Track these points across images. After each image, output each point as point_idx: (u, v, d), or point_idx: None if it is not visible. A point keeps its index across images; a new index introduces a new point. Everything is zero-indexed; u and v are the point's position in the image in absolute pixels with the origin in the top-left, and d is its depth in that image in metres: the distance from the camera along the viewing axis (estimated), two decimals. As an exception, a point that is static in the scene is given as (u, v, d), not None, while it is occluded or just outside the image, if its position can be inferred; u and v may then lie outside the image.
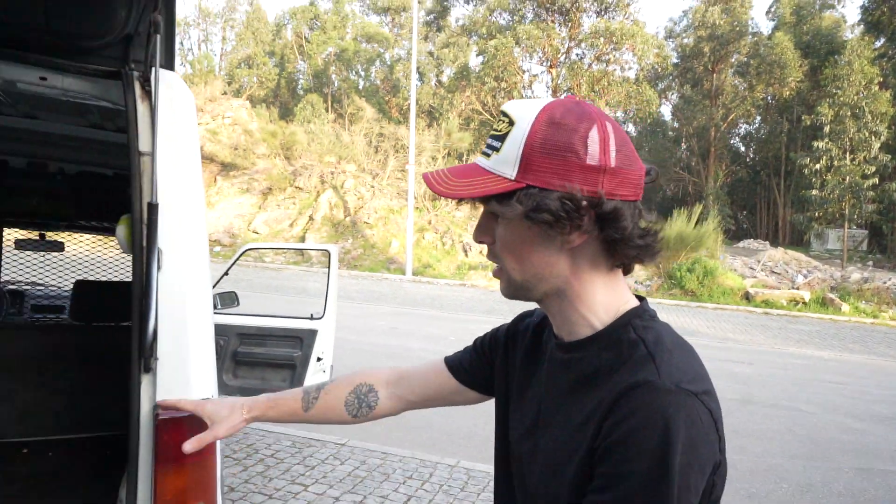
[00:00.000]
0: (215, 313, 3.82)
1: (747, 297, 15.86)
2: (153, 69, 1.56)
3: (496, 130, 0.80)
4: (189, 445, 1.07)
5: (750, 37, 28.66)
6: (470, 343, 1.12)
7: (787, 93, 27.37)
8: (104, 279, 3.94)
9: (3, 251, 3.90)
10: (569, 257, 0.80)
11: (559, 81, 28.52)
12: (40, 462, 3.20)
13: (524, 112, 0.77)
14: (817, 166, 23.47)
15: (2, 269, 3.72)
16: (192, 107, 1.70)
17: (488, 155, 0.80)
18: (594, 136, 0.74)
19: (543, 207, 0.73)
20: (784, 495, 4.17)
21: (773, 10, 30.12)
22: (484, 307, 13.36)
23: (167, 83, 1.58)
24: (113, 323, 3.62)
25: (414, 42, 19.76)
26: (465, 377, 1.10)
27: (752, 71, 27.81)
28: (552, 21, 28.16)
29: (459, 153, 25.51)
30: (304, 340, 3.72)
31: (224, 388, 3.78)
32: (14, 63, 1.68)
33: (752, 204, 33.59)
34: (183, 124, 1.65)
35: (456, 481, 3.96)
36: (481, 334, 1.13)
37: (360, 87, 31.52)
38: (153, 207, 1.48)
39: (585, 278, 0.82)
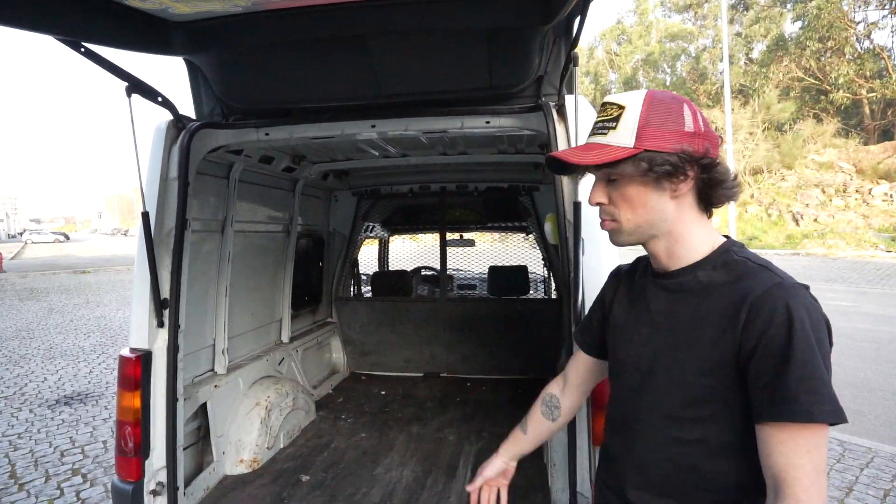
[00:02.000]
0: None
1: None
2: (568, 97, 1.67)
3: (607, 115, 0.92)
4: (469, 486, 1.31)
5: None
6: None
7: None
8: (507, 264, 4.21)
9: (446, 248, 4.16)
10: (675, 204, 0.92)
11: None
12: (478, 392, 3.59)
13: (631, 99, 0.91)
14: None
15: (447, 260, 4.03)
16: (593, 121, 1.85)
17: (604, 133, 0.92)
18: (687, 111, 0.89)
19: (664, 162, 0.87)
20: None
21: None
22: (824, 274, 11.61)
23: (578, 106, 1.59)
24: (514, 296, 3.96)
25: (724, 22, 18.47)
26: (595, 351, 1.19)
27: None
28: None
29: (780, 124, 22.52)
30: None
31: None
32: (469, 115, 1.85)
33: None
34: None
35: (832, 452, 3.58)
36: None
37: (668, 82, 30.32)
38: (578, 206, 1.55)
39: (687, 219, 0.93)
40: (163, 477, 1.93)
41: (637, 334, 1.02)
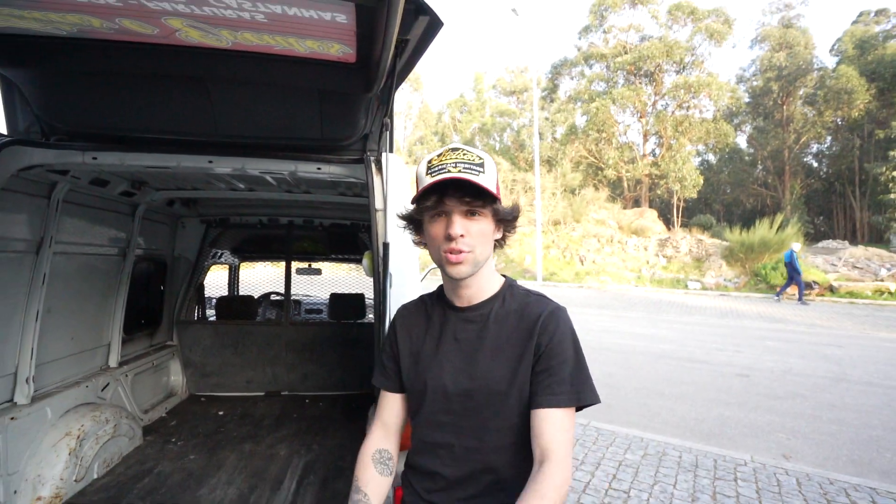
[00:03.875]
0: None
1: (831, 290, 13.48)
2: (384, 154, 1.70)
3: (469, 160, 0.95)
4: None
5: (816, 72, 25.55)
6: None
7: (856, 113, 23.77)
8: (347, 292, 4.09)
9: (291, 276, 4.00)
10: (491, 244, 1.01)
11: (647, 127, 28.54)
12: (314, 408, 3.44)
13: (483, 155, 0.98)
14: (895, 173, 20.02)
15: (291, 286, 3.95)
16: (405, 175, 1.78)
17: (476, 174, 0.94)
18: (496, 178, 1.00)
19: (513, 214, 1.00)
20: (888, 464, 3.45)
21: (835, 47, 26.49)
22: (597, 302, 13.11)
23: (391, 163, 1.66)
24: (352, 320, 3.87)
25: (535, 111, 21.07)
26: (399, 387, 1.09)
27: (819, 100, 24.61)
28: (639, 83, 28.18)
29: (572, 188, 25.91)
30: None
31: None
32: (302, 161, 1.87)
33: (828, 210, 29.10)
34: (402, 189, 1.73)
35: (590, 435, 3.88)
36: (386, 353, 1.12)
37: (497, 148, 33.18)
38: (387, 246, 1.57)
39: (490, 261, 1.02)
40: None
41: (448, 363, 1.00)
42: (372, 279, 4.35)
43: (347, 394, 3.68)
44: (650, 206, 27.26)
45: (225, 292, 4.81)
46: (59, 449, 2.15)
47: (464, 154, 0.95)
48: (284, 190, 2.76)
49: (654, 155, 28.74)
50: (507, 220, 1.01)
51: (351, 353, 3.68)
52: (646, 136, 28.99)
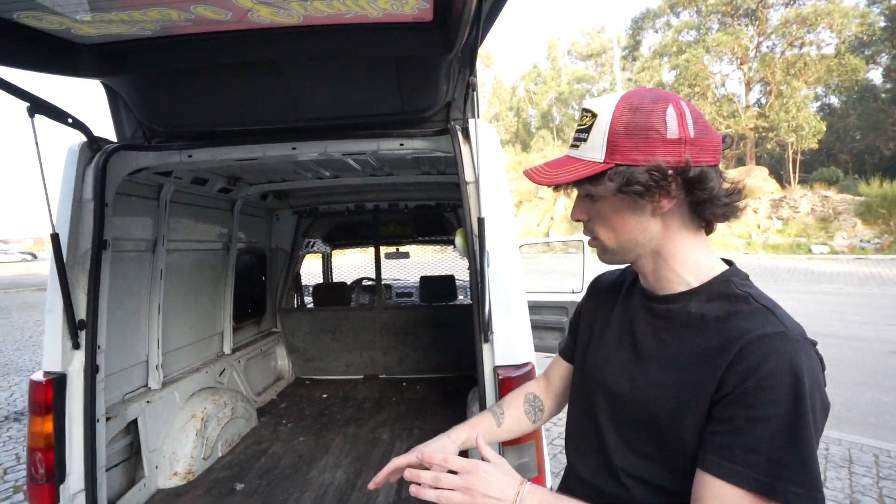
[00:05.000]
0: None
1: None
2: (471, 120, 1.56)
3: (581, 125, 0.72)
4: (372, 483, 0.84)
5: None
6: None
7: None
8: (436, 274, 4.05)
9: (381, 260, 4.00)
10: (661, 221, 0.71)
11: (750, 74, 25.38)
12: (412, 391, 3.45)
13: (604, 104, 0.69)
14: None
15: (382, 271, 3.96)
16: (497, 143, 1.62)
17: (577, 146, 0.72)
18: (671, 113, 0.65)
19: (633, 181, 0.66)
20: None
21: None
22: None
23: (480, 129, 1.53)
24: (443, 303, 3.87)
25: (616, 72, 20.38)
26: (571, 357, 0.97)
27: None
28: (738, 25, 25.10)
29: None
30: (568, 309, 3.52)
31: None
32: (384, 138, 1.74)
33: None
34: (493, 157, 1.57)
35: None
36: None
37: (577, 117, 32.81)
38: (482, 221, 1.44)
39: (678, 239, 0.71)
40: (81, 501, 1.64)
41: (616, 356, 0.80)
42: (462, 259, 3.98)
43: (443, 376, 3.65)
44: (758, 164, 24.16)
45: (320, 280, 4.97)
46: (188, 430, 2.33)
47: (582, 117, 0.74)
48: (368, 173, 2.72)
49: (759, 105, 25.34)
50: (651, 184, 0.66)
51: (444, 335, 3.64)
52: (749, 85, 25.61)
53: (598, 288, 0.94)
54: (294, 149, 1.82)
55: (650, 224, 0.71)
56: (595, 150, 0.69)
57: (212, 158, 1.86)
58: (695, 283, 0.71)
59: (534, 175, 0.75)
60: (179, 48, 1.45)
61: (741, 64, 25.19)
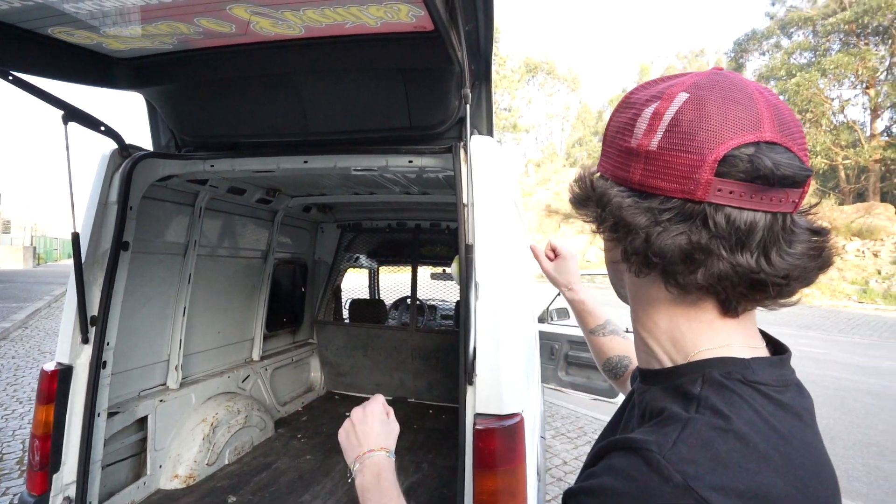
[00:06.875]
0: (551, 324, 3.71)
1: None
2: (474, 138, 1.46)
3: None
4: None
5: None
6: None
7: None
8: None
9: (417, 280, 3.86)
10: (620, 271, 0.51)
11: (879, 100, 22.34)
12: (437, 420, 3.28)
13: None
14: None
15: (423, 291, 3.76)
16: (502, 163, 1.50)
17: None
18: (647, 112, 0.43)
19: (574, 201, 0.50)
20: None
21: None
22: (799, 321, 10.50)
23: (480, 147, 1.43)
24: None
25: None
26: None
27: None
28: (864, 44, 22.53)
29: None
30: None
31: (558, 383, 3.63)
32: (392, 154, 1.67)
33: None
34: (496, 178, 1.44)
35: None
36: None
37: None
38: (469, 248, 1.37)
39: (650, 297, 0.48)
40: (72, 492, 1.68)
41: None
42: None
43: None
44: (882, 200, 20.93)
45: (365, 296, 4.96)
46: (196, 433, 2.37)
47: None
48: (402, 192, 2.66)
49: (888, 134, 22.07)
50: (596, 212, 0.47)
51: None
52: (875, 112, 22.49)
53: None
54: (306, 162, 1.81)
55: (622, 267, 0.49)
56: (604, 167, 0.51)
57: (231, 168, 1.90)
58: (667, 363, 0.48)
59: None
60: (198, 61, 1.51)
61: (867, 88, 22.25)
